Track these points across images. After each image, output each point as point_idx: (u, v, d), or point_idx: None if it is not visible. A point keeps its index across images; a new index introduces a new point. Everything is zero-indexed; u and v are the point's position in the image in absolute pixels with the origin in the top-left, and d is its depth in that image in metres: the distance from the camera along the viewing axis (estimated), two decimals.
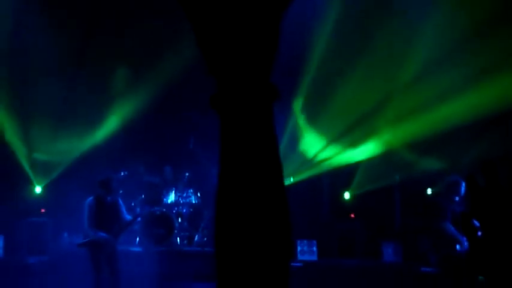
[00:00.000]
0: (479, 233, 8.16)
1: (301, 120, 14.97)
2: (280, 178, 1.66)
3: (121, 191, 12.71)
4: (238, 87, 1.60)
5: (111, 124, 14.45)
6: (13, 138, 13.85)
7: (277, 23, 1.68)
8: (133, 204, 13.47)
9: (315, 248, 13.58)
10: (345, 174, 15.00)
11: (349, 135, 14.42)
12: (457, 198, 9.88)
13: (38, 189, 13.97)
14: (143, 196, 13.79)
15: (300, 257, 13.45)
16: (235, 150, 1.62)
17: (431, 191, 14.48)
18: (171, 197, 13.81)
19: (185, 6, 1.67)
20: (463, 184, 9.83)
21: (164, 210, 13.23)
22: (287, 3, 1.63)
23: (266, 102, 1.63)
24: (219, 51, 1.64)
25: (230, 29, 1.62)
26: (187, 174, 14.00)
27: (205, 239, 13.30)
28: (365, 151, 14.55)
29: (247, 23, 1.62)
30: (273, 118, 1.62)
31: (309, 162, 14.85)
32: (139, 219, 12.26)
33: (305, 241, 13.63)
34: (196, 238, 13.53)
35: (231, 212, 1.66)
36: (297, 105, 14.72)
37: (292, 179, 14.07)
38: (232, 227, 1.67)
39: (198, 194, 13.90)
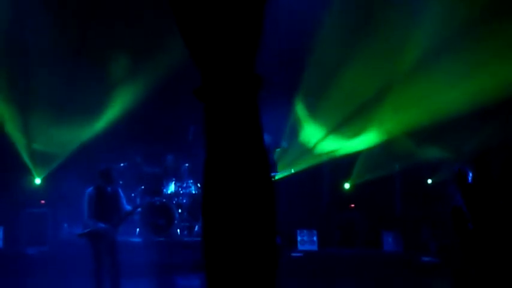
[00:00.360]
0: (470, 226, 8.50)
1: (301, 110, 14.94)
2: (266, 168, 1.65)
3: (121, 182, 12.70)
4: (223, 78, 1.60)
5: (110, 114, 14.41)
6: (12, 129, 13.82)
7: (260, 11, 1.67)
8: (133, 194, 13.46)
9: (315, 238, 13.59)
10: (345, 164, 15.00)
11: (349, 125, 14.40)
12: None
13: (37, 181, 13.96)
14: (143, 187, 13.78)
15: (300, 247, 13.47)
16: (221, 141, 1.62)
17: (437, 180, 14.52)
18: (171, 188, 13.80)
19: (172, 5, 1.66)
20: (470, 173, 10.08)
21: (164, 200, 13.23)
22: None
23: (251, 93, 1.62)
24: (202, 42, 1.63)
25: (213, 20, 1.61)
26: (187, 164, 13.99)
27: None
28: (365, 141, 14.54)
29: (230, 12, 1.61)
30: (258, 108, 1.61)
31: (309, 152, 14.84)
32: (139, 209, 12.26)
33: (305, 231, 13.65)
34: (196, 228, 13.52)
35: (217, 204, 1.65)
36: (298, 95, 14.69)
37: (292, 170, 14.05)
38: (218, 219, 1.67)
39: (198, 185, 13.88)
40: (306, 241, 13.56)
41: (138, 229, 13.37)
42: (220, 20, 1.58)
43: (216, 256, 1.64)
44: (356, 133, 14.52)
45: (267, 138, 12.45)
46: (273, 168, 12.86)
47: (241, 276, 1.63)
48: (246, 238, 1.63)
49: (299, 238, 13.56)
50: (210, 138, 1.59)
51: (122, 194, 9.56)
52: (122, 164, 13.53)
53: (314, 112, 14.81)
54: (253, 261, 1.64)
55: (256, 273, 1.64)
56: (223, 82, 1.59)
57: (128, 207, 9.64)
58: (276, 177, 13.07)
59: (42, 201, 13.73)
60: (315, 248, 13.55)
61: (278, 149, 13.22)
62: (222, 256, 1.64)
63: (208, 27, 1.59)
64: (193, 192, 13.77)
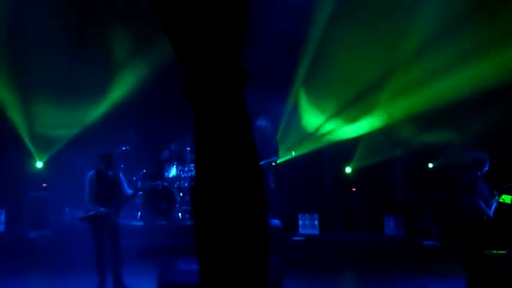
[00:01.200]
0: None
1: (302, 94, 14.91)
2: (255, 160, 1.67)
3: (122, 165, 12.70)
4: (208, 75, 1.61)
5: (112, 97, 14.37)
6: (14, 112, 13.81)
7: (244, 5, 1.68)
8: (134, 178, 13.46)
9: (316, 222, 13.62)
10: (346, 149, 15.00)
11: (350, 110, 14.39)
12: (479, 174, 10.17)
13: (39, 164, 13.96)
14: (145, 170, 13.77)
15: (301, 230, 13.49)
16: (209, 137, 1.64)
17: (438, 165, 14.57)
18: (173, 171, 13.79)
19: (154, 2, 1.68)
20: (488, 161, 10.24)
21: (166, 184, 13.23)
22: None
23: (237, 87, 1.64)
24: (187, 39, 1.63)
25: (196, 16, 1.61)
26: (188, 148, 13.96)
27: None
28: (366, 125, 14.53)
29: (213, 6, 1.62)
30: (244, 102, 1.63)
31: (311, 137, 14.83)
32: (140, 193, 12.25)
33: (307, 215, 13.66)
34: None
35: (208, 198, 1.67)
36: (298, 79, 14.64)
37: (293, 153, 14.03)
38: (209, 210, 1.68)
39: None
40: (308, 225, 13.59)
41: (139, 213, 13.39)
42: (203, 16, 1.58)
43: (208, 246, 1.66)
44: (357, 117, 14.50)
45: (266, 123, 12.41)
46: (275, 152, 12.85)
47: (233, 263, 1.65)
48: (237, 230, 1.65)
49: (300, 222, 13.58)
50: (198, 134, 1.61)
51: (123, 177, 9.56)
52: (123, 148, 13.53)
53: (315, 96, 14.78)
54: (245, 250, 1.66)
55: (248, 261, 1.66)
56: (208, 79, 1.60)
57: (129, 191, 9.64)
58: (278, 161, 13.07)
59: (44, 185, 13.75)
60: (316, 232, 13.58)
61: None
62: (214, 246, 1.65)
63: (192, 24, 1.59)
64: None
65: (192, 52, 1.59)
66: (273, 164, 12.62)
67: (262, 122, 11.72)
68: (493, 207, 10.06)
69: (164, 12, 1.61)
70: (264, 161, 12.08)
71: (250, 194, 1.63)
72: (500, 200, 10.02)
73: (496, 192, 10.17)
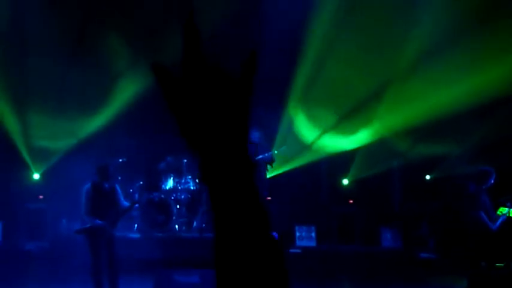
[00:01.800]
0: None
1: (299, 106, 14.90)
2: (272, 239, 1.86)
3: (119, 177, 12.70)
4: (221, 163, 1.82)
5: (110, 109, 14.36)
6: (11, 124, 13.79)
7: (247, 106, 1.88)
8: (131, 190, 13.45)
9: (313, 234, 13.60)
10: (343, 160, 14.98)
11: (347, 121, 14.39)
12: (483, 187, 10.14)
13: (36, 176, 13.94)
14: (141, 182, 13.77)
15: (298, 243, 13.47)
16: (227, 217, 1.84)
17: (435, 176, 14.58)
18: (170, 183, 13.80)
19: (168, 101, 1.90)
20: (494, 175, 10.22)
21: (162, 196, 13.23)
22: (252, 86, 1.89)
23: (247, 172, 1.84)
24: (199, 137, 1.84)
25: (206, 116, 1.82)
26: (185, 160, 13.97)
27: (204, 225, 13.23)
28: (364, 137, 14.53)
29: (220, 110, 1.82)
30: (254, 181, 1.83)
31: (308, 149, 14.80)
32: (137, 205, 12.24)
33: (304, 227, 13.64)
34: (194, 224, 13.53)
35: (228, 261, 1.84)
36: (295, 91, 14.64)
37: (285, 147, 13.64)
38: (230, 268, 1.85)
39: (197, 181, 13.86)
40: (304, 237, 13.58)
41: (136, 225, 13.38)
42: (213, 116, 1.74)
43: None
44: (355, 129, 14.50)
45: (257, 134, 12.33)
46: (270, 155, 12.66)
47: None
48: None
49: (297, 234, 13.56)
50: (217, 215, 1.78)
51: (119, 190, 9.54)
52: (120, 160, 13.54)
53: (312, 108, 14.77)
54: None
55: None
56: (220, 168, 1.79)
57: (126, 203, 9.62)
58: (275, 172, 13.03)
59: (41, 197, 13.72)
60: (313, 244, 13.56)
61: (276, 152, 12.95)
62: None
63: (204, 124, 1.76)
64: (192, 188, 13.76)
65: (204, 145, 1.77)
66: (270, 166, 12.41)
67: (255, 134, 11.65)
68: (499, 220, 10.00)
69: (180, 115, 1.79)
70: (259, 157, 11.81)
71: (266, 250, 1.80)
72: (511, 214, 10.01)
73: (509, 204, 10.11)
